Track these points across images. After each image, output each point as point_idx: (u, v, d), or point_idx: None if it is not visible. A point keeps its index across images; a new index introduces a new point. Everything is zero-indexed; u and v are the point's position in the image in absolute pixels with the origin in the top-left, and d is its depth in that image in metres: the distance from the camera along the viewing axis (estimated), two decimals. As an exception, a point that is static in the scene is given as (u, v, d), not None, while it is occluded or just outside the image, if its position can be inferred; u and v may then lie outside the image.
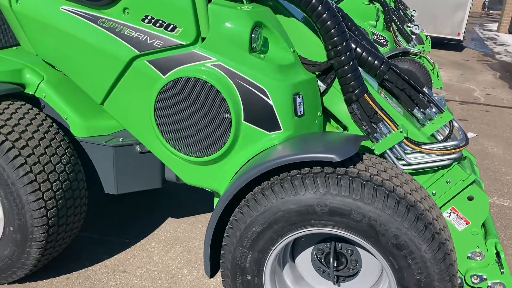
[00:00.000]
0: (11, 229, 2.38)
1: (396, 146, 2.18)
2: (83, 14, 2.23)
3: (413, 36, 6.62)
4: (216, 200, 2.48)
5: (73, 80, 2.49)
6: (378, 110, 2.18)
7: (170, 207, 3.55)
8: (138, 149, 2.60)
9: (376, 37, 6.00)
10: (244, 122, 2.12)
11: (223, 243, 2.08)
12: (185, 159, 2.26)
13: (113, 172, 2.63)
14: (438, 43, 13.22)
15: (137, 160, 2.64)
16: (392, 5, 7.45)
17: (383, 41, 6.03)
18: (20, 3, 2.38)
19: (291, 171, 1.96)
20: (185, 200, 3.66)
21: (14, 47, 2.81)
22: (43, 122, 2.48)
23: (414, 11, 8.56)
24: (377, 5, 6.32)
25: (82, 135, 2.62)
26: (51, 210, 2.37)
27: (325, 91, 2.29)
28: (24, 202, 2.30)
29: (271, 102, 2.08)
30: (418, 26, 6.80)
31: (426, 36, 8.05)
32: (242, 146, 2.16)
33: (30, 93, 2.59)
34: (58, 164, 2.43)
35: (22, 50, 2.70)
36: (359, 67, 2.23)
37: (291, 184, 1.90)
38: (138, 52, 2.16)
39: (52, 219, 2.39)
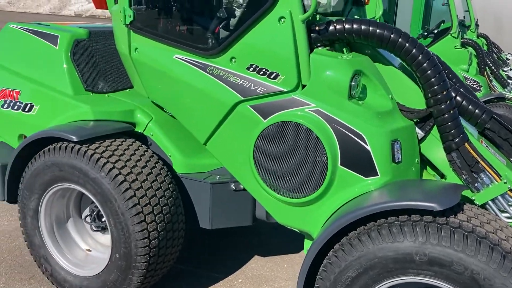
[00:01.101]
0: (117, 256, 2.58)
1: (499, 197, 2.11)
2: (194, 62, 2.44)
3: (510, 81, 6.33)
4: (306, 241, 2.52)
5: (180, 121, 2.71)
6: (479, 159, 2.14)
7: (258, 245, 3.63)
8: (233, 187, 2.72)
9: (468, 82, 5.82)
10: (341, 166, 2.17)
11: (315, 285, 2.10)
12: (280, 199, 2.34)
13: (209, 208, 2.77)
14: (536, 87, 12.42)
15: (231, 197, 2.77)
16: (485, 48, 7.22)
17: (477, 86, 5.83)
18: (138, 52, 2.66)
19: (389, 218, 1.96)
20: (272, 239, 3.72)
21: (127, 90, 3.11)
22: (151, 159, 2.69)
23: (509, 54, 8.20)
24: (470, 49, 6.16)
25: (183, 172, 2.80)
26: (153, 241, 2.54)
27: (423, 138, 2.29)
28: (130, 231, 2.49)
29: (368, 147, 2.12)
30: (515, 70, 6.50)
31: (523, 80, 7.65)
32: (337, 189, 2.20)
33: (139, 131, 2.84)
34: (161, 197, 2.61)
35: (134, 92, 3.00)
36: (459, 116, 2.21)
37: (389, 231, 1.90)
38: (242, 98, 2.32)
39: (154, 249, 2.56)
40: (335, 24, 2.20)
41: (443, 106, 2.13)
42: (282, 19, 2.16)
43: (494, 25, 11.63)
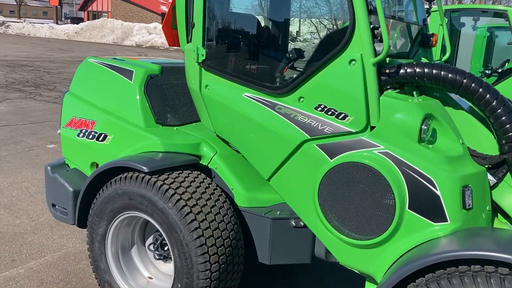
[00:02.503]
0: (179, 286, 2.63)
1: None
2: (262, 100, 2.52)
3: None
4: (368, 284, 2.48)
5: (245, 156, 2.78)
6: (557, 210, 2.05)
7: (314, 282, 3.59)
8: (293, 223, 2.73)
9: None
10: (409, 210, 2.14)
11: (380, 331, 2.05)
12: (343, 240, 2.33)
13: (268, 243, 2.79)
14: None
15: (291, 234, 2.77)
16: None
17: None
18: (209, 88, 2.78)
19: (459, 267, 1.90)
20: (329, 277, 3.66)
21: (194, 123, 3.23)
22: (214, 191, 2.76)
23: None
24: (538, 89, 5.92)
25: (244, 205, 2.84)
26: (215, 273, 2.58)
27: (495, 185, 2.23)
28: (193, 262, 2.55)
29: (438, 192, 2.08)
30: None
31: None
32: (405, 233, 2.17)
33: (204, 164, 2.93)
34: (224, 230, 2.66)
35: (201, 125, 3.10)
36: (535, 164, 2.14)
37: (460, 280, 1.84)
38: (309, 137, 2.36)
39: (214, 281, 2.59)
40: (405, 68, 2.21)
41: (518, 153, 2.07)
42: (353, 62, 2.20)
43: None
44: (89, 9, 55.49)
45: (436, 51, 3.09)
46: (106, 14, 50.03)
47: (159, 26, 34.54)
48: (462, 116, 2.36)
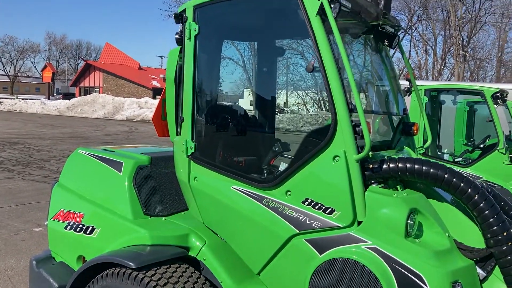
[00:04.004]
0: None
1: None
2: (250, 193, 2.55)
3: None
4: None
5: (233, 248, 2.75)
6: (548, 304, 2.04)
7: None
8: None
9: (521, 198, 5.65)
10: (400, 307, 2.11)
11: None
12: (336, 337, 2.26)
13: (259, 338, 2.69)
14: None
15: (282, 328, 2.69)
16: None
17: (530, 203, 5.63)
18: (197, 180, 2.81)
19: None
20: None
21: (182, 213, 3.22)
22: (203, 286, 2.70)
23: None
24: (520, 164, 6.06)
25: (234, 299, 2.77)
26: None
27: (485, 278, 2.22)
28: None
29: (428, 289, 2.07)
30: None
31: None
32: (397, 331, 2.12)
33: (192, 255, 2.89)
34: (213, 329, 2.58)
35: (189, 214, 3.09)
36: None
37: None
38: (298, 231, 2.36)
39: None
40: (388, 163, 2.27)
41: (504, 247, 2.09)
42: (337, 158, 2.26)
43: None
44: (81, 84, 56.89)
45: (418, 139, 3.19)
46: (98, 89, 51.24)
47: (150, 100, 35.36)
48: (447, 209, 2.40)
